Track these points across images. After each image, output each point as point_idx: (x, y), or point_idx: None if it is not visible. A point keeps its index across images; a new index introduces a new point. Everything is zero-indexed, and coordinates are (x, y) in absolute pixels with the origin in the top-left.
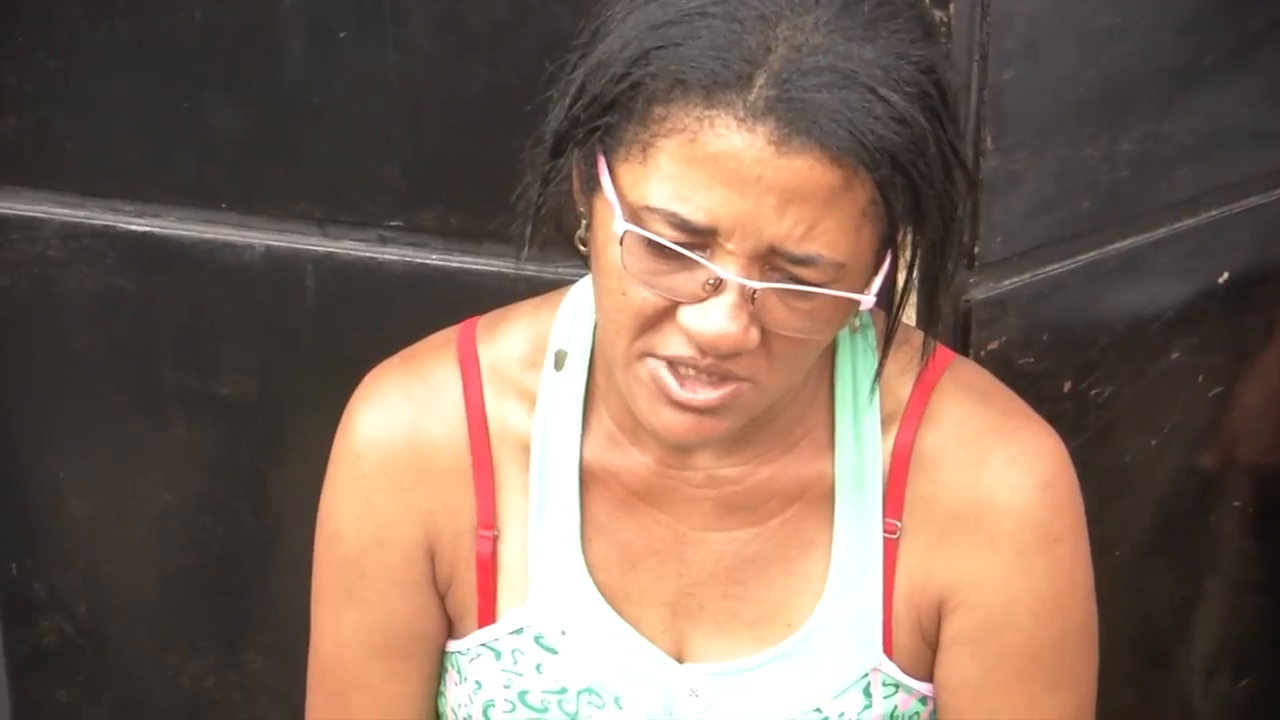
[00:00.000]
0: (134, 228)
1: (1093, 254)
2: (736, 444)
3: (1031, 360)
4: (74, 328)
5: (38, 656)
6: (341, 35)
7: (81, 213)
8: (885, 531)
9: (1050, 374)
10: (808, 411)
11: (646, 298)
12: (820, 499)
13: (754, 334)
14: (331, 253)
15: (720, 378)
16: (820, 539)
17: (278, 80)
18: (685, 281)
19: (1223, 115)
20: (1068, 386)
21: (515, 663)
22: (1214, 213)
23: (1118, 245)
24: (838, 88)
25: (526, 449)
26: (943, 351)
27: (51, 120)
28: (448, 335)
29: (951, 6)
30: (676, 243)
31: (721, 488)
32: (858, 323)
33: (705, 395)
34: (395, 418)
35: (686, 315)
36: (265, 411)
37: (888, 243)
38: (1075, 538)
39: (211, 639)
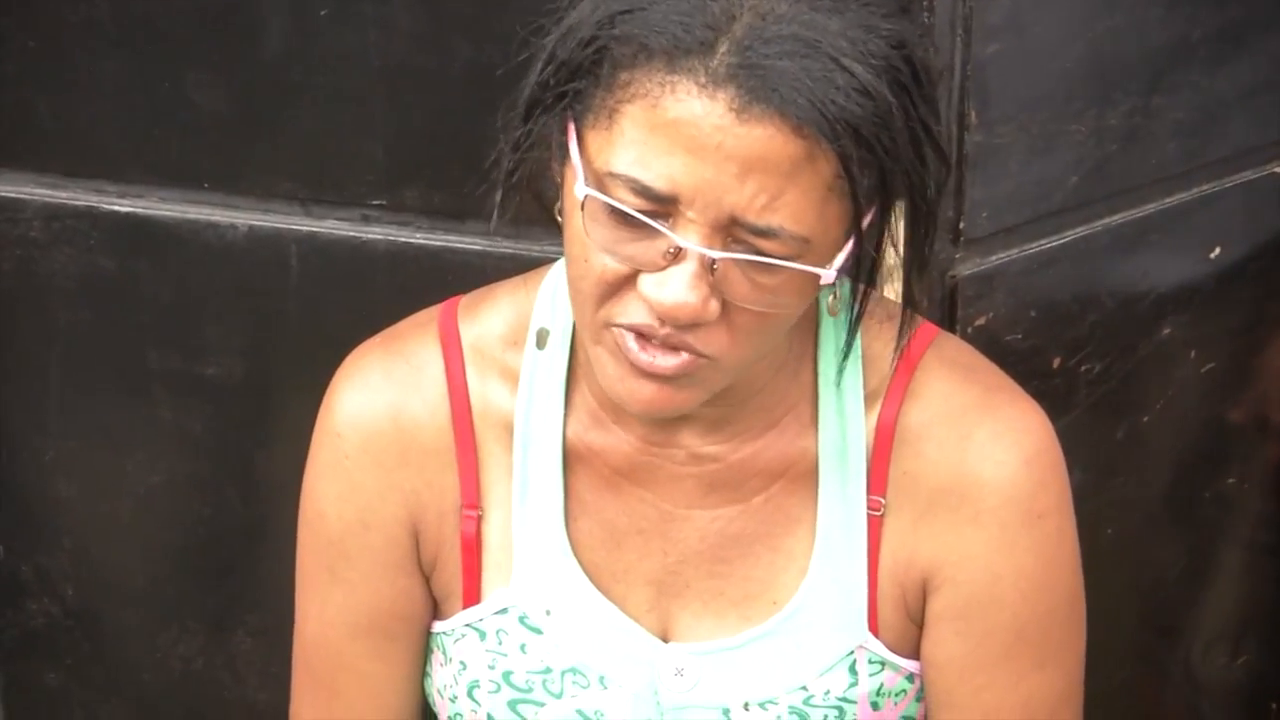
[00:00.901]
0: (117, 208)
1: (1081, 229)
2: (719, 421)
3: (1019, 337)
4: (57, 309)
5: (26, 639)
6: (323, 13)
7: (64, 193)
8: (869, 508)
9: (1038, 350)
10: (790, 388)
11: (608, 265)
12: (804, 476)
13: (714, 305)
14: (315, 232)
15: (678, 348)
16: (805, 516)
17: (260, 59)
18: (646, 250)
19: (1212, 89)
20: (1056, 363)
21: (500, 643)
22: (1204, 188)
23: (1106, 221)
24: (800, 56)
25: (510, 428)
26: (927, 327)
27: (33, 100)
28: (429, 314)
29: None
30: (638, 210)
31: (705, 465)
32: (836, 304)
33: (664, 361)
34: (377, 397)
35: (646, 284)
36: (251, 391)
37: (855, 220)
38: (1060, 514)
39: (200, 620)
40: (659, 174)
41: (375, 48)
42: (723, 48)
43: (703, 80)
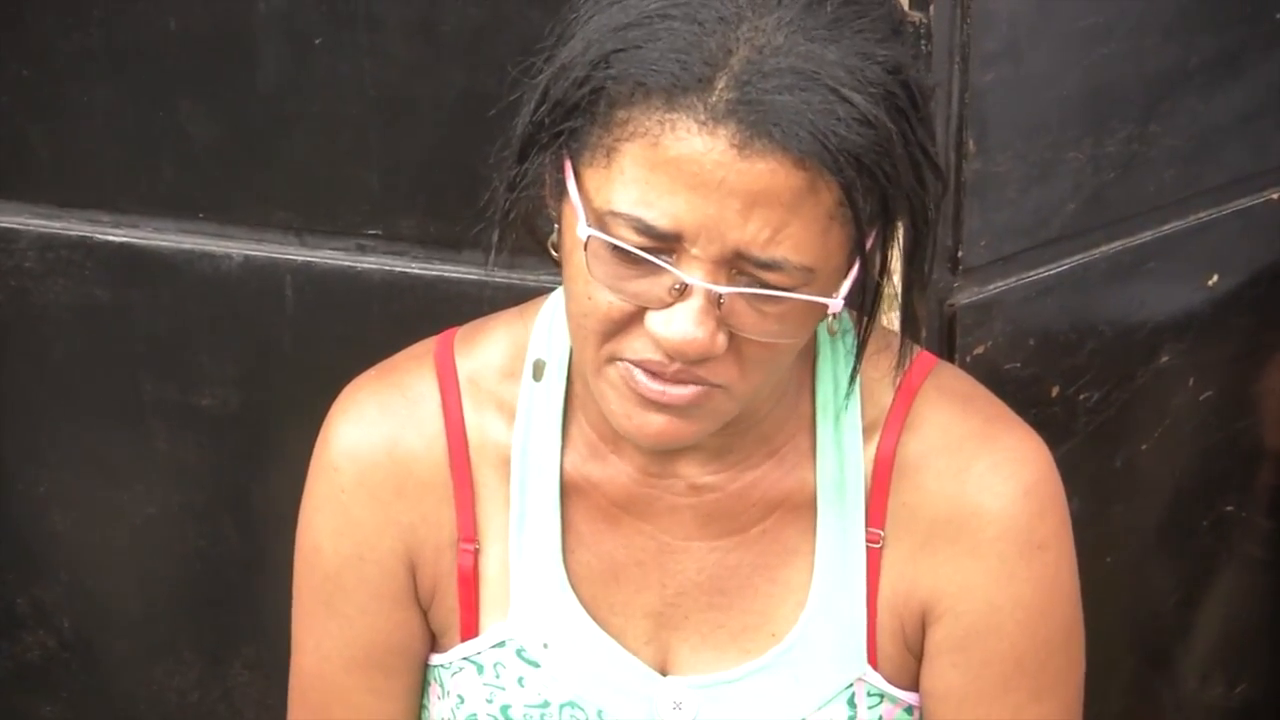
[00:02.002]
0: (111, 238)
1: (1079, 257)
2: (718, 452)
3: (1018, 365)
4: (52, 339)
5: (22, 672)
6: (317, 42)
7: (58, 224)
8: (868, 541)
9: (1037, 379)
10: (789, 419)
11: (613, 302)
12: (801, 507)
13: (721, 339)
14: (310, 262)
15: (687, 382)
16: (802, 547)
17: (254, 88)
18: (651, 286)
19: (1209, 117)
20: (1055, 391)
21: (497, 676)
22: (1201, 215)
23: (1104, 249)
24: (799, 89)
25: (507, 461)
26: (925, 357)
27: (26, 130)
28: (426, 347)
29: (931, 8)
30: (641, 248)
31: (703, 495)
32: (836, 325)
33: (675, 392)
34: (373, 431)
35: (653, 320)
36: (246, 422)
37: (858, 245)
38: (1060, 544)
39: (196, 652)
40: (662, 212)
41: (370, 77)
42: (721, 83)
43: (702, 117)
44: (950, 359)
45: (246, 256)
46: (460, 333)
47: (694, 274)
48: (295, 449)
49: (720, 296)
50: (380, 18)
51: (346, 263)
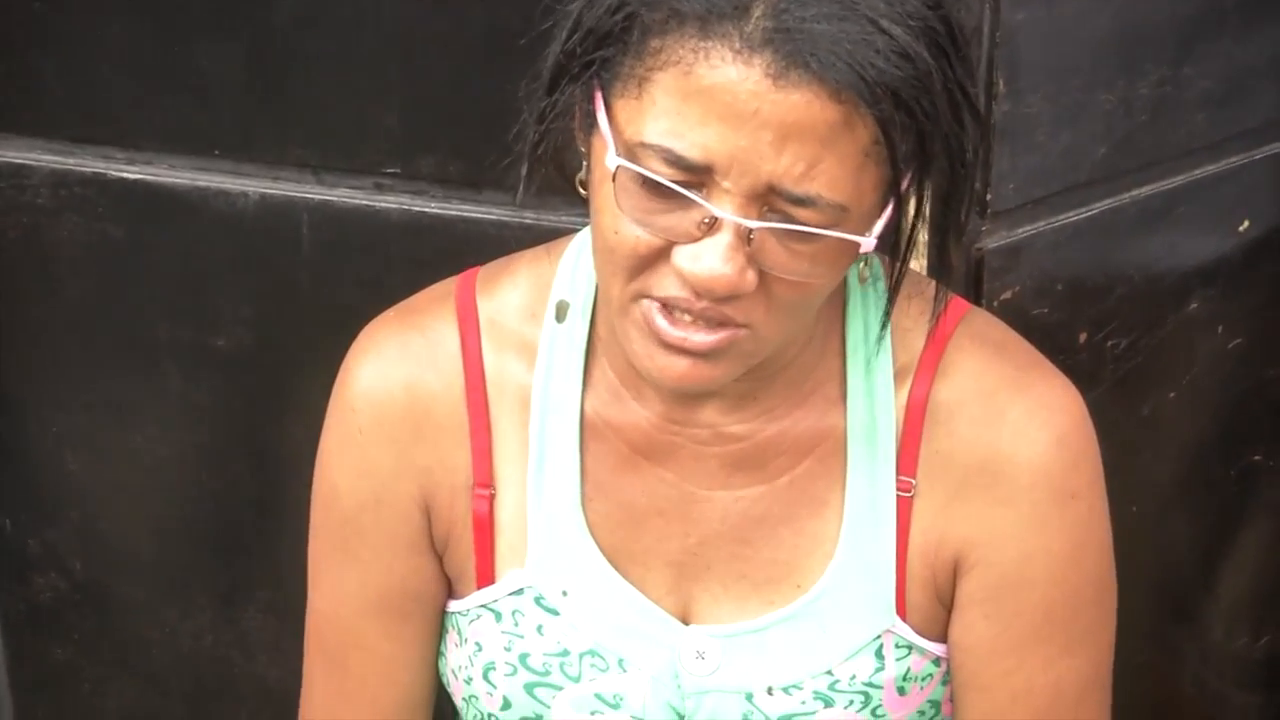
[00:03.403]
0: (125, 175)
1: (1108, 202)
2: (744, 398)
3: (1046, 311)
4: (65, 277)
5: (33, 614)
6: None
7: (71, 160)
8: (899, 489)
9: (1065, 325)
10: (818, 365)
11: (640, 237)
12: (831, 455)
13: (750, 276)
14: (327, 200)
15: (717, 323)
16: (831, 497)
17: (270, 23)
18: (680, 220)
19: (1243, 58)
20: (1083, 338)
21: (516, 624)
22: (1234, 159)
23: (1134, 193)
24: (837, 19)
25: (526, 404)
26: (958, 303)
27: (39, 65)
28: (446, 287)
29: None
30: (672, 180)
31: (729, 444)
32: (867, 271)
33: (700, 338)
34: (392, 372)
35: (681, 256)
36: (261, 363)
37: (893, 186)
38: (1093, 494)
39: (209, 595)
40: (693, 143)
41: (388, 11)
42: (757, 11)
43: (737, 46)
44: (978, 304)
45: (263, 195)
46: (482, 272)
47: (724, 208)
48: (311, 391)
49: (750, 232)
50: None
51: (364, 202)
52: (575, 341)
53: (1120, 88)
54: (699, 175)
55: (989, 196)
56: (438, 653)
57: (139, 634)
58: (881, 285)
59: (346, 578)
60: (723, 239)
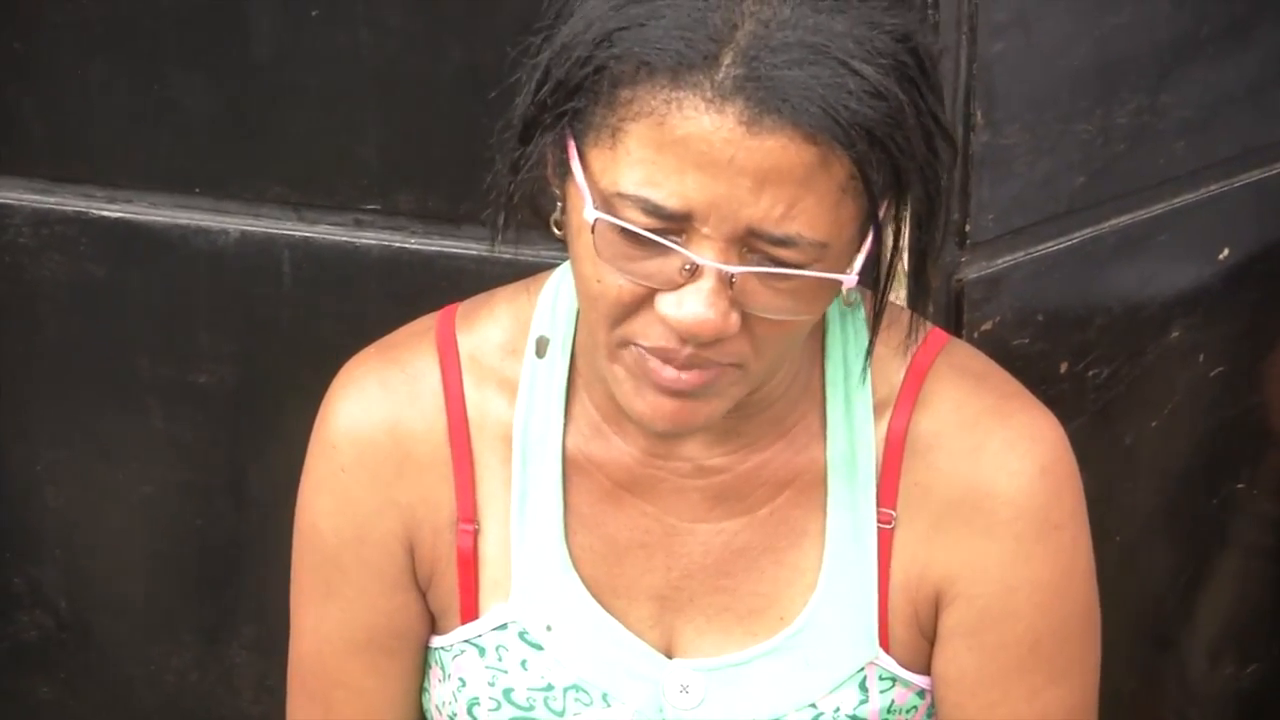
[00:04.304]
0: (106, 214)
1: (1088, 231)
2: (727, 433)
3: (1026, 341)
4: (47, 316)
5: (18, 652)
6: (313, 14)
7: (52, 199)
8: (879, 521)
9: (1046, 355)
10: (801, 398)
11: (623, 285)
12: (810, 486)
13: (734, 319)
14: (308, 237)
15: (698, 366)
16: (811, 528)
17: (249, 60)
18: (662, 267)
19: (1221, 87)
20: (1064, 368)
21: (500, 659)
22: (1213, 188)
23: (1114, 222)
24: (808, 63)
25: (508, 440)
26: (937, 333)
27: (18, 104)
28: (427, 323)
29: None
30: (650, 229)
31: (710, 477)
32: (851, 297)
33: (689, 376)
34: (374, 409)
35: (664, 303)
36: (243, 399)
37: (870, 217)
38: (1075, 524)
39: (194, 632)
40: (671, 192)
41: (367, 48)
42: (727, 59)
43: (709, 95)
44: (958, 335)
45: (243, 232)
46: (462, 308)
47: (705, 254)
48: (293, 427)
49: (732, 276)
50: None
51: (344, 238)
52: (556, 377)
53: (1098, 117)
54: (678, 223)
55: (968, 227)
56: (421, 689)
57: (124, 671)
58: (861, 315)
59: (329, 615)
60: (705, 284)
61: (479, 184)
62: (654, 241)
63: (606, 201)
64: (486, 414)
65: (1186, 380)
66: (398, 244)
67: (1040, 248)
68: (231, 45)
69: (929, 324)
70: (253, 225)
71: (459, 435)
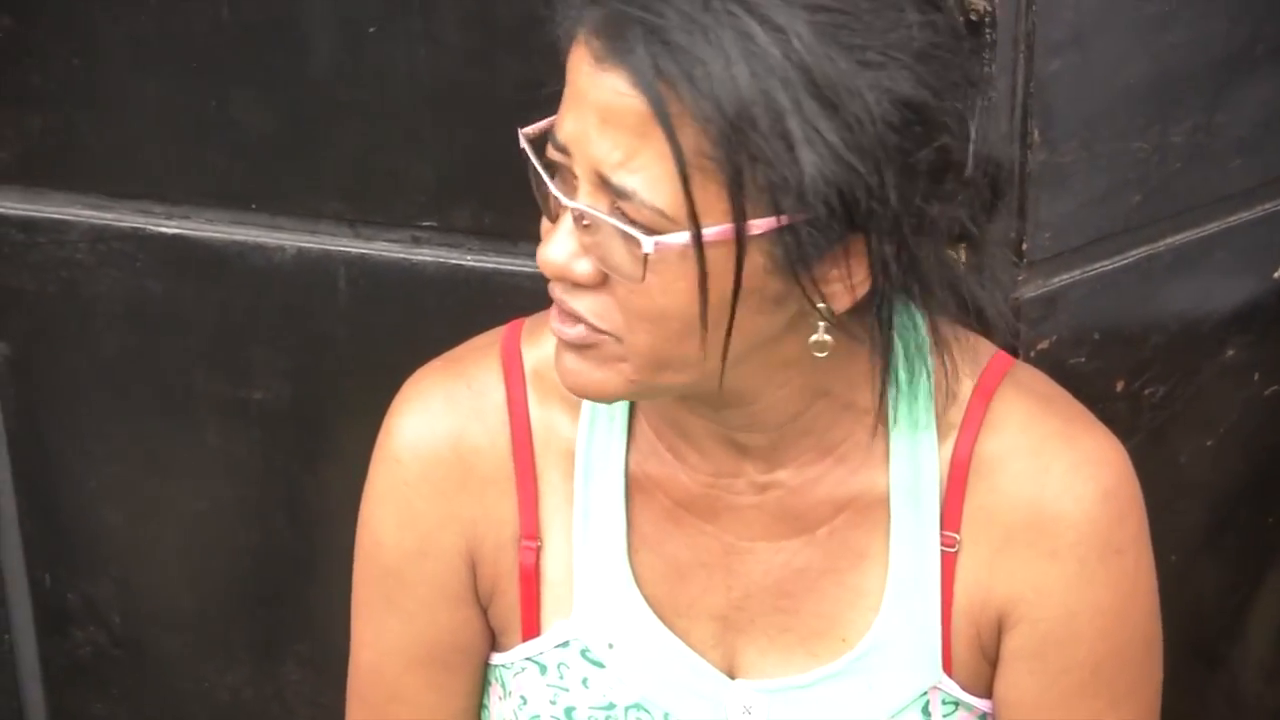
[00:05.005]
0: (163, 230)
1: (1144, 249)
2: (769, 450)
3: (1082, 360)
4: (103, 332)
5: (73, 668)
6: (370, 30)
7: (110, 215)
8: (943, 545)
9: (1102, 373)
10: (840, 416)
11: (546, 225)
12: (870, 508)
13: (582, 266)
14: (364, 254)
15: (574, 318)
16: (872, 550)
17: (306, 77)
18: (553, 206)
19: (1276, 105)
20: (1120, 386)
21: (561, 677)
22: (1268, 206)
23: (1170, 240)
24: (689, 20)
25: (571, 456)
26: (1003, 357)
27: (77, 121)
28: (492, 337)
29: None
30: (546, 164)
31: (766, 494)
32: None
33: (565, 330)
34: (438, 423)
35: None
36: (298, 416)
37: (740, 214)
38: (1138, 548)
39: (248, 649)
40: (559, 126)
41: (424, 65)
42: None
43: (589, 28)
44: (1013, 354)
45: (300, 248)
46: (528, 323)
47: (572, 194)
48: (348, 444)
49: (584, 219)
50: (434, 5)
51: (401, 255)
52: None
53: (1154, 135)
54: (568, 159)
55: (1025, 245)
56: (480, 706)
57: (178, 688)
58: (925, 339)
59: (389, 629)
60: (564, 224)
61: (535, 201)
62: (544, 180)
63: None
64: (551, 430)
65: (1241, 399)
66: (454, 261)
67: (1096, 266)
68: (288, 62)
69: (993, 347)
70: (309, 242)
71: (523, 451)
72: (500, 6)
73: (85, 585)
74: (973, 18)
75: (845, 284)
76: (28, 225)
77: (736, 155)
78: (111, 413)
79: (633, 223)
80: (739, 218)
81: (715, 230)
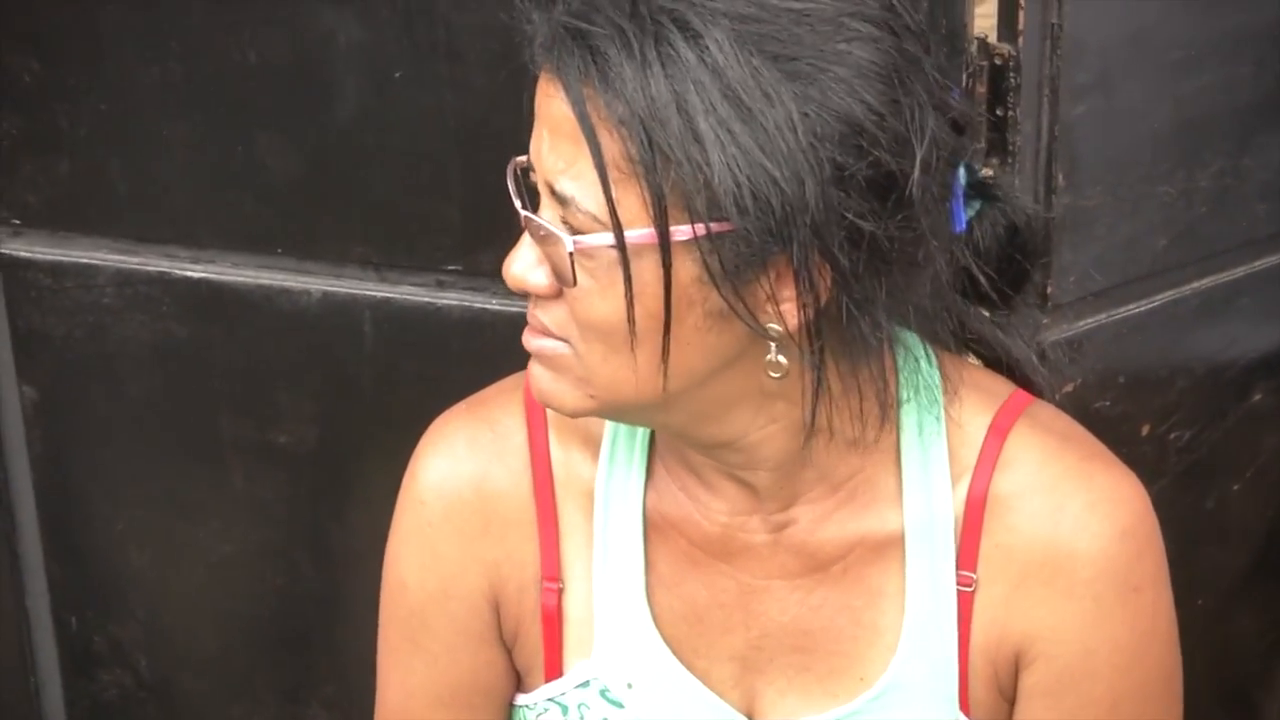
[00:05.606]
0: (189, 274)
1: (1170, 294)
2: (775, 487)
3: (1108, 403)
4: (130, 375)
5: (99, 711)
6: (396, 75)
7: (136, 259)
8: (959, 584)
9: (1128, 417)
10: (846, 453)
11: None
12: (885, 546)
13: (538, 276)
14: (389, 298)
15: (539, 330)
16: (888, 588)
17: (333, 122)
18: (521, 223)
19: None
20: (1146, 430)
21: (581, 717)
22: None
23: (1196, 285)
24: (615, 30)
25: (591, 496)
26: (1020, 395)
27: (105, 164)
28: (516, 380)
29: (1020, 40)
30: (517, 175)
31: (779, 532)
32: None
33: (531, 340)
34: (462, 466)
35: None
36: (324, 460)
37: (661, 218)
38: (1156, 586)
39: (274, 691)
40: (531, 142)
41: (449, 109)
42: (561, 6)
43: (540, 47)
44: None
45: (325, 292)
46: None
47: (538, 208)
48: (374, 487)
49: (540, 229)
50: (460, 50)
51: (426, 299)
52: (638, 435)
53: (1180, 179)
54: (534, 176)
55: (1050, 289)
56: None
57: None
58: (935, 376)
59: (414, 671)
60: (525, 236)
61: None
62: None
63: None
64: (571, 471)
65: (1268, 444)
66: (479, 305)
67: (1122, 310)
68: (315, 106)
69: (1013, 385)
70: (335, 286)
71: (544, 493)
72: (525, 50)
73: (111, 627)
74: (997, 61)
75: (793, 302)
76: (55, 269)
77: (651, 157)
78: (137, 456)
79: (569, 228)
80: (660, 222)
81: (637, 234)
